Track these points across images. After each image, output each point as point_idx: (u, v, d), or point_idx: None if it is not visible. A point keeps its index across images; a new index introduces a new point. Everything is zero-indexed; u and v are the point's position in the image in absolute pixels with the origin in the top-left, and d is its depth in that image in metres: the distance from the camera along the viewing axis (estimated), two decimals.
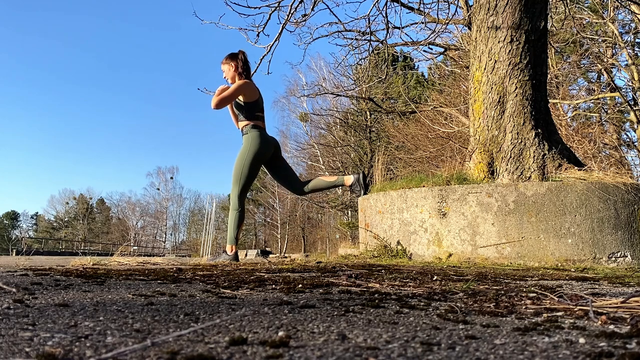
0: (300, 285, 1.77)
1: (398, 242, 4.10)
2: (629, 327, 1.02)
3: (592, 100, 14.25)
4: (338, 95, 19.92)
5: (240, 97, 3.86)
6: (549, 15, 6.73)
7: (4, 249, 40.87)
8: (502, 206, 3.73)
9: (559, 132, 6.03)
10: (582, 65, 14.44)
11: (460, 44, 12.04)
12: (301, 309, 1.25)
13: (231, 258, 3.79)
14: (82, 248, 38.14)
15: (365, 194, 4.05)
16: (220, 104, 3.76)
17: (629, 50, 13.65)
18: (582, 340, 0.89)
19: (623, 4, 10.66)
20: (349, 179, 4.02)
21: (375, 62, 12.40)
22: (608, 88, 15.11)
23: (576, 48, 13.43)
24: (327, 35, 8.03)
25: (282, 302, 1.35)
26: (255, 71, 5.85)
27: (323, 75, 26.57)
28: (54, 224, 59.13)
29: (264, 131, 3.94)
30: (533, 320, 1.11)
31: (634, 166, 15.10)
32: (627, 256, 3.67)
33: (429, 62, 18.37)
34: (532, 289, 1.75)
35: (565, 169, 4.04)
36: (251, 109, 3.88)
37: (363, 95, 21.46)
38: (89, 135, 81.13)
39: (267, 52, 5.76)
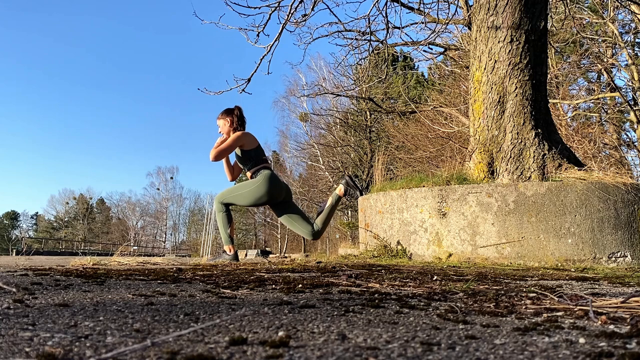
0: (300, 285, 1.77)
1: (398, 242, 4.10)
2: (629, 327, 1.02)
3: (592, 100, 14.25)
4: (338, 95, 19.92)
5: (239, 149, 3.86)
6: (549, 15, 6.73)
7: (4, 249, 40.88)
8: (502, 206, 3.73)
9: (559, 132, 6.03)
10: (582, 65, 14.44)
11: (460, 44, 12.03)
12: (301, 309, 1.25)
13: (231, 258, 3.79)
14: (82, 248, 38.11)
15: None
16: (219, 156, 3.78)
17: (629, 50, 13.65)
18: (582, 340, 0.89)
19: (623, 4, 10.66)
20: (341, 190, 4.02)
21: (375, 62, 12.40)
22: (608, 88, 15.11)
23: (576, 48, 13.43)
24: (327, 35, 8.03)
25: (282, 302, 1.35)
26: (255, 71, 5.86)
27: (323, 75, 26.57)
28: (54, 224, 59.12)
29: (275, 175, 3.90)
30: (533, 320, 1.11)
31: (634, 166, 15.11)
32: (627, 256, 3.67)
33: (429, 62, 18.38)
34: (532, 289, 1.75)
35: (565, 169, 4.04)
36: (256, 155, 3.87)
37: (363, 95, 21.46)
38: (89, 135, 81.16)
39: (267, 52, 5.76)
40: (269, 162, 3.99)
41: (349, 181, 3.99)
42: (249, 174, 3.91)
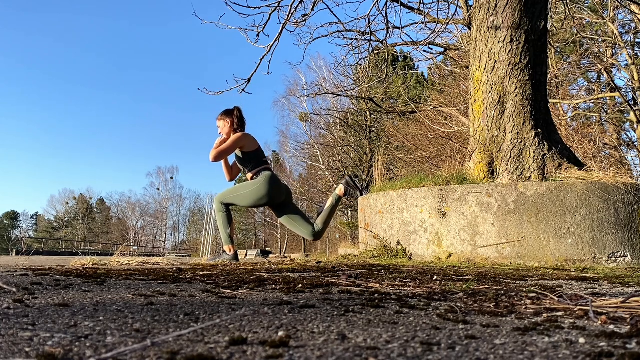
0: (300, 285, 1.77)
1: (398, 242, 4.10)
2: (629, 327, 1.02)
3: (592, 100, 14.25)
4: (338, 95, 19.92)
5: (240, 151, 3.86)
6: (549, 15, 6.73)
7: (4, 249, 40.88)
8: (502, 206, 3.73)
9: (559, 132, 6.04)
10: (582, 65, 14.43)
11: (460, 44, 12.03)
12: (301, 309, 1.25)
13: (231, 258, 3.79)
14: (82, 248, 38.08)
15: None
16: (218, 157, 3.77)
17: (629, 50, 13.65)
18: (582, 340, 0.89)
19: (623, 4, 10.66)
20: (341, 190, 4.02)
21: (375, 62, 12.40)
22: (608, 88, 15.11)
23: (576, 48, 13.43)
24: (327, 35, 8.04)
25: (282, 302, 1.35)
26: (255, 71, 5.86)
27: (323, 75, 26.57)
28: (54, 224, 59.12)
29: (275, 176, 3.90)
30: (533, 320, 1.11)
31: (634, 166, 15.11)
32: (627, 256, 3.67)
33: (429, 62, 18.37)
34: (532, 289, 1.75)
35: (565, 169, 4.04)
36: (256, 157, 3.87)
37: (363, 95, 21.45)
38: (89, 135, 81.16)
39: (267, 52, 5.76)
40: (269, 163, 3.99)
41: (349, 181, 3.99)
42: (249, 175, 3.90)
